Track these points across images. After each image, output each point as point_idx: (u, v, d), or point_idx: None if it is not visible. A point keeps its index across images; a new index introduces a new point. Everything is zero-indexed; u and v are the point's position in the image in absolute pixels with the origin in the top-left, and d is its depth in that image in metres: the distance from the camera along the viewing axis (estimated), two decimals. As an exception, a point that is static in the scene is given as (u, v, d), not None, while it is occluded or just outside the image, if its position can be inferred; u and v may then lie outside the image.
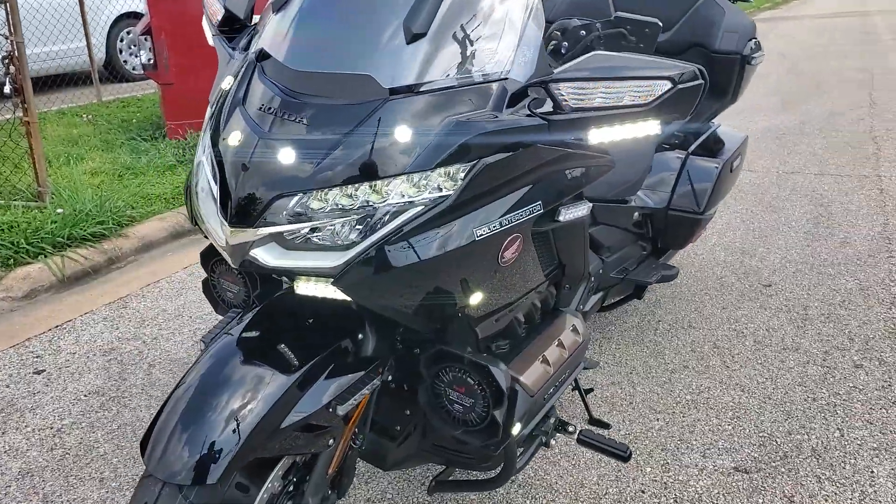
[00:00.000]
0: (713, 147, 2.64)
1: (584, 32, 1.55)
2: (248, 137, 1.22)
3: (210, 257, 1.71)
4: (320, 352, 1.33)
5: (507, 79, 1.26)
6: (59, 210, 3.71)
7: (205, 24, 1.62)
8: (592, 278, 2.11)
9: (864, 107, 6.32)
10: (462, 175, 1.21)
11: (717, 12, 2.51)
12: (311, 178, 1.18)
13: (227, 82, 1.37)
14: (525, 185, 1.32)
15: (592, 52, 1.26)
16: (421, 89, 1.21)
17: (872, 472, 1.94)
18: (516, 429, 1.42)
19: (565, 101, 1.23)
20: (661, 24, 1.52)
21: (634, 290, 2.50)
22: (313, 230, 1.20)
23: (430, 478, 1.96)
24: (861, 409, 2.21)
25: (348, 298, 1.27)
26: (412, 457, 1.68)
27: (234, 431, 1.19)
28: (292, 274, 1.27)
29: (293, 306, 1.45)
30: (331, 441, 1.37)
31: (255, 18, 1.59)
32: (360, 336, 1.41)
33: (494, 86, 1.25)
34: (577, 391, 2.00)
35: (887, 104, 6.37)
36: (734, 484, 1.91)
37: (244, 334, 1.36)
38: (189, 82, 5.00)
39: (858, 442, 2.06)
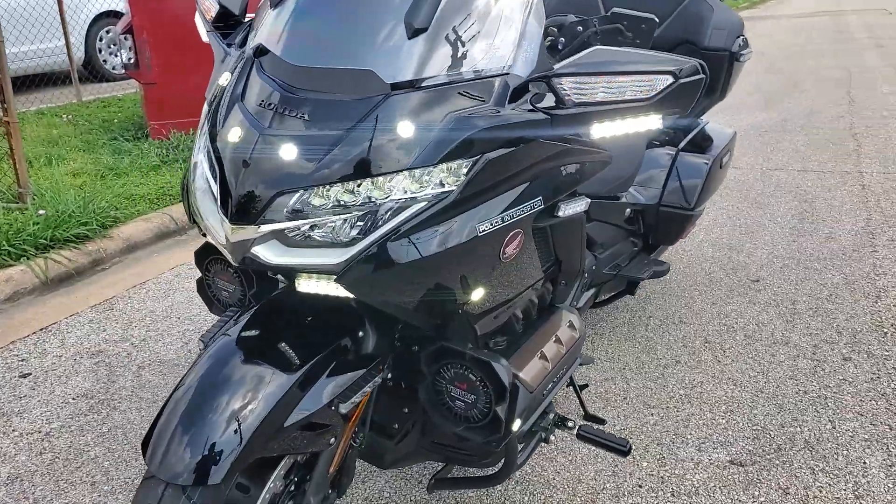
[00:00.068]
0: (702, 144, 2.66)
1: (580, 28, 1.55)
2: (248, 133, 1.21)
3: (205, 256, 1.69)
4: (321, 350, 1.32)
5: (508, 74, 1.26)
6: (41, 211, 3.65)
7: (198, 20, 1.59)
8: (585, 275, 2.12)
9: (843, 104, 6.41)
10: (464, 170, 1.21)
11: (706, 9, 2.52)
12: (312, 174, 1.16)
13: (224, 78, 1.36)
14: (526, 180, 1.32)
15: (594, 47, 1.26)
16: (422, 84, 1.20)
17: (865, 462, 1.96)
18: (516, 425, 1.42)
19: (567, 95, 1.23)
20: (657, 19, 1.53)
21: (627, 287, 2.51)
22: (314, 227, 1.19)
23: (428, 476, 1.96)
24: (851, 401, 2.24)
25: (349, 296, 1.26)
26: (411, 455, 1.68)
27: (236, 431, 1.18)
28: (294, 271, 1.26)
29: (292, 305, 1.44)
30: (332, 440, 1.36)
31: (249, 16, 1.58)
32: (360, 333, 1.41)
33: (496, 81, 1.24)
34: (571, 387, 2.01)
35: (865, 102, 6.46)
36: (730, 477, 1.93)
37: (243, 333, 1.35)
38: (172, 82, 4.94)
39: (850, 434, 2.09)
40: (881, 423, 2.13)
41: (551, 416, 1.71)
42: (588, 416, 2.02)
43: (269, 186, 1.17)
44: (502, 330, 1.61)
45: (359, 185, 1.18)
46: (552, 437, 1.72)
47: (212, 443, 1.15)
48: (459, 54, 1.24)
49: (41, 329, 2.90)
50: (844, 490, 1.87)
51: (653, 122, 1.29)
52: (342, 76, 1.21)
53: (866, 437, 2.07)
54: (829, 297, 2.91)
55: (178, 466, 1.14)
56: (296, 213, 1.18)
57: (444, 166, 1.19)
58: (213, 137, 1.28)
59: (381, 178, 1.17)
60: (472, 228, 1.24)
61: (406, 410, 1.59)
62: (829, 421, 2.15)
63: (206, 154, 1.31)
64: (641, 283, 2.61)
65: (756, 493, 1.86)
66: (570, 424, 1.73)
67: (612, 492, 1.89)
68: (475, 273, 1.31)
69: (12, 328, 2.91)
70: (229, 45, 1.48)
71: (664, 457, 2.02)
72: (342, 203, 1.18)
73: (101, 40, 7.41)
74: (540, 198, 1.36)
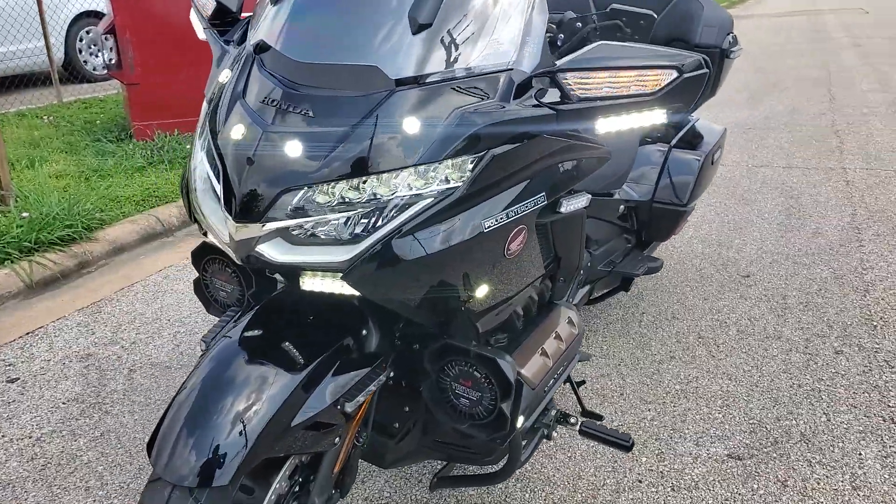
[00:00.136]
0: (693, 140, 2.68)
1: (579, 24, 1.55)
2: (251, 130, 1.19)
3: (202, 256, 1.67)
4: (325, 349, 1.31)
5: (512, 69, 1.26)
6: (25, 214, 3.59)
7: (193, 18, 1.57)
8: (581, 271, 2.12)
9: (824, 102, 6.49)
10: (470, 166, 1.20)
11: (696, 7, 2.53)
12: (317, 170, 1.15)
13: (224, 76, 1.34)
14: (530, 176, 1.32)
15: (598, 42, 1.26)
16: (427, 80, 1.20)
17: (860, 454, 1.99)
18: (520, 422, 1.42)
19: (573, 90, 1.23)
20: (656, 15, 1.53)
21: (622, 283, 2.52)
22: (319, 224, 1.18)
23: (427, 475, 1.95)
24: (844, 393, 2.27)
25: (353, 294, 1.25)
26: (412, 454, 1.67)
27: (241, 432, 1.17)
28: (299, 269, 1.25)
29: (293, 304, 1.43)
30: (336, 439, 1.35)
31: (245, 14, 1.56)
32: (363, 332, 1.40)
33: (501, 76, 1.24)
34: (568, 384, 2.01)
35: (845, 99, 6.55)
36: (729, 471, 1.94)
37: (245, 334, 1.33)
38: (156, 82, 4.88)
39: (845, 426, 2.11)
40: (874, 414, 2.15)
41: (553, 412, 1.71)
42: (586, 413, 2.02)
43: (274, 183, 1.16)
44: (502, 327, 1.61)
45: (364, 182, 1.17)
46: (554, 434, 1.72)
47: (218, 444, 1.14)
48: (463, 50, 1.23)
49: (27, 333, 2.85)
50: (842, 482, 1.89)
51: (657, 117, 1.29)
52: (346, 72, 1.20)
53: (860, 428, 2.09)
54: (818, 292, 2.94)
55: (184, 469, 1.13)
56: (301, 211, 1.17)
57: (449, 162, 1.19)
58: (214, 135, 1.26)
59: (386, 175, 1.17)
60: (478, 225, 1.23)
61: (407, 409, 1.58)
62: (824, 414, 2.17)
63: (207, 152, 1.29)
64: (634, 279, 2.62)
65: (755, 487, 1.88)
66: (572, 421, 1.73)
67: (613, 487, 1.90)
68: (480, 269, 1.31)
69: (-2, 333, 2.86)
70: (227, 43, 1.46)
71: (663, 452, 2.03)
72: (347, 200, 1.17)
73: (81, 40, 7.30)
74: (543, 193, 1.36)
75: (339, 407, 1.28)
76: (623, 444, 1.69)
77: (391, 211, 1.18)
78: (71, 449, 2.14)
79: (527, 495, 1.88)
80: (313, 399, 1.25)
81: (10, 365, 2.62)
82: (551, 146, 1.32)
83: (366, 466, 1.99)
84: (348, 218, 1.18)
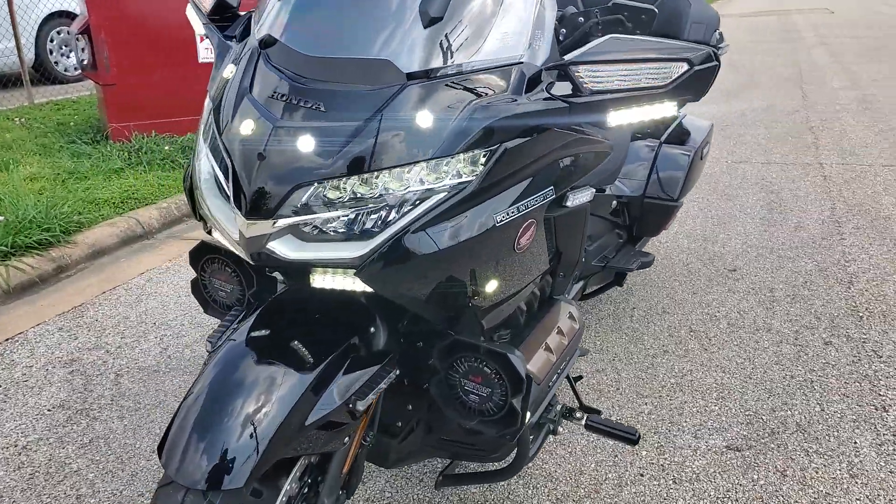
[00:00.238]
0: (682, 136, 2.70)
1: (581, 19, 1.55)
2: (260, 126, 1.16)
3: (200, 256, 1.63)
4: (334, 348, 1.29)
5: (523, 63, 1.25)
6: (0, 218, 3.50)
7: (191, 13, 1.54)
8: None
9: (797, 99, 6.61)
10: (483, 160, 1.19)
11: (684, 4, 2.55)
12: (330, 165, 1.13)
13: (228, 71, 1.31)
14: (540, 169, 1.31)
15: (609, 36, 1.25)
16: (439, 74, 1.18)
17: (855, 443, 2.02)
18: (527, 417, 1.41)
19: (585, 83, 1.23)
20: (657, 10, 1.54)
21: (615, 278, 2.53)
22: (330, 220, 1.16)
23: (429, 475, 1.94)
24: (836, 383, 2.30)
25: (360, 291, 1.23)
26: (415, 453, 1.65)
27: (253, 434, 1.14)
28: (310, 266, 1.22)
29: (298, 303, 1.41)
30: (346, 439, 1.33)
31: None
32: (371, 330, 1.38)
33: (512, 70, 1.23)
34: (566, 379, 2.01)
35: (818, 97, 6.67)
36: (728, 462, 1.96)
37: (252, 334, 1.31)
38: (133, 82, 4.79)
39: (839, 415, 2.14)
40: (867, 403, 2.19)
41: (558, 407, 1.71)
42: (584, 408, 2.02)
43: (286, 179, 1.13)
44: (506, 323, 1.60)
45: (376, 177, 1.15)
46: (560, 429, 1.71)
47: (234, 445, 1.11)
48: (474, 43, 1.22)
49: (7, 339, 2.77)
50: (839, 470, 1.91)
51: (668, 109, 1.29)
52: (357, 66, 1.18)
53: (854, 417, 2.13)
54: (804, 284, 2.98)
55: (196, 473, 1.10)
56: (312, 207, 1.15)
57: (462, 156, 1.17)
58: (220, 131, 1.24)
59: (398, 170, 1.15)
60: (490, 219, 1.22)
61: (410, 408, 1.57)
62: (818, 404, 2.20)
63: (212, 148, 1.26)
64: (627, 274, 2.63)
65: (755, 477, 1.90)
66: (577, 415, 1.73)
67: (615, 482, 1.90)
68: (490, 264, 1.30)
69: (-24, 339, 2.78)
70: (228, 38, 1.43)
71: (662, 445, 2.04)
72: (359, 196, 1.15)
73: (52, 41, 7.15)
74: (552, 187, 1.35)
75: (350, 406, 1.26)
76: (629, 437, 1.70)
77: (403, 206, 1.16)
78: (59, 457, 2.09)
79: (529, 492, 1.88)
80: (324, 399, 1.23)
81: (-9, 372, 2.54)
82: (561, 139, 1.31)
83: (367, 466, 1.96)
84: (360, 213, 1.16)
